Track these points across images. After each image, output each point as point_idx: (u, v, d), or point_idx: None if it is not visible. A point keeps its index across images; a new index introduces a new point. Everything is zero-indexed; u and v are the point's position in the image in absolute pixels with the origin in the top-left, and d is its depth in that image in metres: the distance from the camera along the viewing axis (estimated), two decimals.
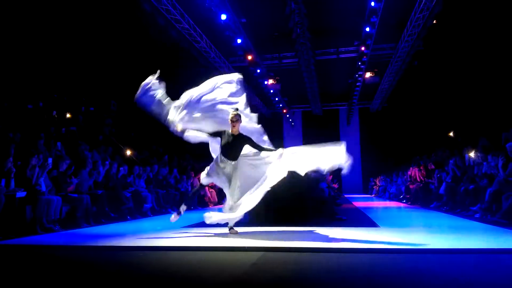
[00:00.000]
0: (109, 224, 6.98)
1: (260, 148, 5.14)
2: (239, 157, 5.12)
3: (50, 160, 6.80)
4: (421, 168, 11.95)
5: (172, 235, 5.17)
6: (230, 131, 5.06)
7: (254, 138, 5.20)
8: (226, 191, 5.21)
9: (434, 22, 12.54)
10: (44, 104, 11.40)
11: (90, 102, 13.84)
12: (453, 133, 14.25)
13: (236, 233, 5.12)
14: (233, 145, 5.04)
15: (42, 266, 3.63)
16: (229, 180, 5.11)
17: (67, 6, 11.82)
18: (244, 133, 5.15)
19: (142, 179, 9.33)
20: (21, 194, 5.72)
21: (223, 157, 5.07)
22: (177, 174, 11.02)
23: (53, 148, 8.06)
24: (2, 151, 6.33)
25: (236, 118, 5.00)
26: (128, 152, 10.63)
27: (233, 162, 5.07)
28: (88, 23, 12.77)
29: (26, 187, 5.94)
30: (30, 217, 5.83)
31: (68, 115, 11.76)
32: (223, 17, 11.91)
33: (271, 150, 5.16)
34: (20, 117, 9.51)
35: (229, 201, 5.10)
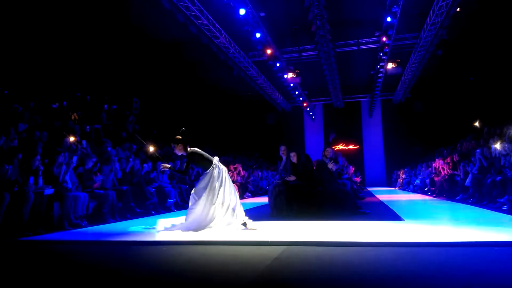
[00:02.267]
0: (134, 219, 7.11)
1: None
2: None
3: (74, 158, 6.97)
4: (448, 160, 11.71)
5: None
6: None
7: None
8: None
9: (458, 10, 12.20)
10: (68, 104, 11.66)
11: (113, 100, 14.09)
12: (478, 123, 13.90)
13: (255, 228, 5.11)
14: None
15: (69, 261, 3.73)
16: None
17: (88, 6, 12.02)
18: None
19: (165, 174, 9.47)
20: (49, 191, 5.86)
21: None
22: (199, 169, 11.11)
23: (78, 145, 8.25)
24: (30, 149, 6.50)
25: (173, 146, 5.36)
26: (151, 149, 10.78)
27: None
28: (109, 22, 12.96)
29: (54, 184, 6.10)
30: (58, 214, 5.99)
31: (91, 114, 11.99)
32: (242, 11, 11.89)
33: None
34: (45, 117, 9.76)
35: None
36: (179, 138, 5.34)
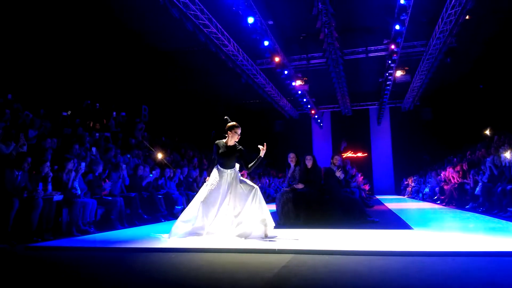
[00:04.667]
0: (142, 226, 7.13)
1: (246, 163, 5.27)
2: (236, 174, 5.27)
3: (83, 165, 7.02)
4: (457, 168, 11.60)
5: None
6: (224, 142, 5.29)
7: None
8: (210, 205, 5.21)
9: (467, 17, 12.15)
10: (78, 111, 11.79)
11: (122, 108, 14.22)
12: (489, 131, 13.78)
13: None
14: (228, 155, 5.24)
15: (78, 267, 3.75)
16: (224, 193, 5.18)
17: (98, 16, 12.17)
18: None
19: (173, 181, 9.49)
20: (58, 197, 5.91)
21: (220, 167, 5.29)
22: (206, 176, 11.12)
23: (88, 152, 8.31)
24: (40, 156, 6.57)
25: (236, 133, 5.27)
26: (160, 156, 10.84)
27: (229, 171, 5.23)
28: (118, 31, 13.11)
29: (63, 190, 6.14)
30: (67, 220, 6.03)
31: (101, 121, 12.10)
32: (250, 20, 11.96)
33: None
34: (55, 123, 9.86)
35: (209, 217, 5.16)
36: None
